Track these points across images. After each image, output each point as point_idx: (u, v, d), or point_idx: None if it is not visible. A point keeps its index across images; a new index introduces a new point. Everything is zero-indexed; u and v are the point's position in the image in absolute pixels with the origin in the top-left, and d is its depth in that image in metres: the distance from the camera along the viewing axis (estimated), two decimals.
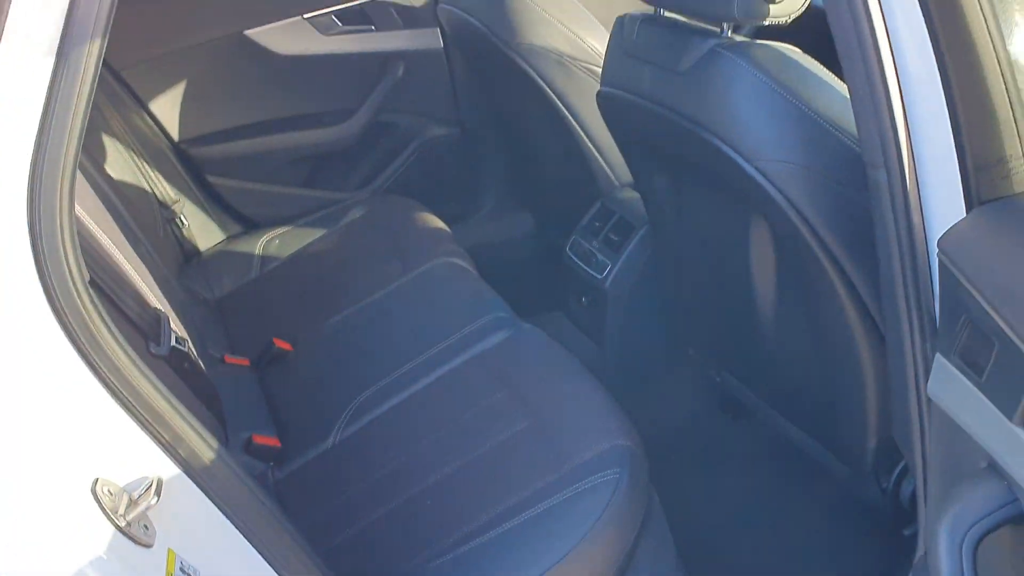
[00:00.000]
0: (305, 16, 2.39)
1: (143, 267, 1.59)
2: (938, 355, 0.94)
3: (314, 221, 2.38)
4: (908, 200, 1.04)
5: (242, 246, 2.36)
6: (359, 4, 2.42)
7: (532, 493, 1.38)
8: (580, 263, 2.06)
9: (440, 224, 2.24)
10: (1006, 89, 0.87)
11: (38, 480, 0.84)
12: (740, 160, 1.28)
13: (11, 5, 0.77)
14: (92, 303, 0.85)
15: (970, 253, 0.87)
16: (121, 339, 0.88)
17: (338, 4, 2.40)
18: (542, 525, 1.33)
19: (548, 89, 2.01)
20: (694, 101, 1.34)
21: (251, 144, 2.43)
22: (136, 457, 0.90)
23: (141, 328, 1.38)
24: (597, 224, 2.06)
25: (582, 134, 2.05)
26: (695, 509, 1.81)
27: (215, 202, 2.44)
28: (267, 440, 1.68)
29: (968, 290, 0.84)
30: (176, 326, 1.55)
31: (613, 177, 2.10)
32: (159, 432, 0.90)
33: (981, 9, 0.87)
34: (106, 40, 0.83)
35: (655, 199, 1.74)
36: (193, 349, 1.57)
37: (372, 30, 2.46)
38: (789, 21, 1.28)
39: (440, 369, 1.72)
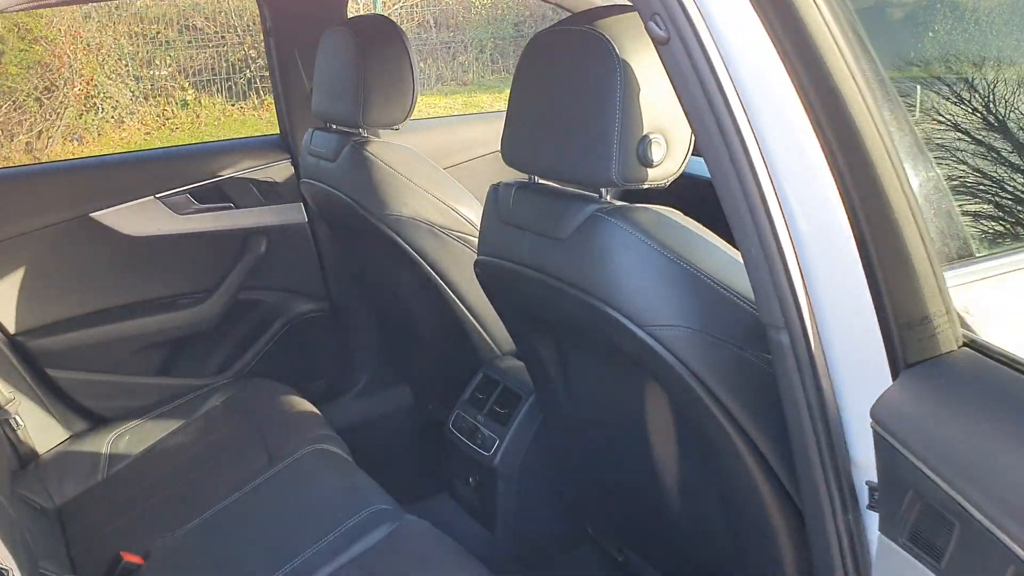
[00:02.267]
0: (156, 196, 2.26)
1: None
2: (881, 536, 0.85)
3: (169, 412, 2.17)
4: (815, 362, 0.98)
5: (87, 445, 2.12)
6: (215, 181, 2.32)
7: None
8: (465, 440, 1.93)
9: (309, 407, 2.08)
10: (921, 240, 0.83)
11: None
12: (630, 325, 1.21)
13: None
14: None
15: (911, 424, 0.80)
16: None
17: (190, 183, 2.29)
18: None
19: (421, 260, 1.93)
20: (577, 267, 1.27)
21: (98, 332, 2.24)
22: None
23: None
24: (480, 396, 1.95)
25: (459, 303, 1.97)
26: None
27: (56, 397, 2.21)
28: None
29: (914, 464, 0.77)
30: None
31: (494, 345, 2.01)
32: None
33: (891, 161, 0.84)
34: None
35: (541, 368, 1.64)
36: None
37: (231, 207, 2.35)
38: (667, 184, 1.25)
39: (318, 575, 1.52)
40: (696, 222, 1.27)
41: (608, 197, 1.28)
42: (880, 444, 0.84)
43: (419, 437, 2.40)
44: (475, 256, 1.55)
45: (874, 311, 0.85)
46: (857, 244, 0.86)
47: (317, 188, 2.11)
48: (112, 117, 7.81)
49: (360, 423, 2.38)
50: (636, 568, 1.70)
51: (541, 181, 1.40)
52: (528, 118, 1.36)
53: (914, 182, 0.89)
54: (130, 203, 2.24)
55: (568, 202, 1.29)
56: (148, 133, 7.97)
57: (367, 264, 2.27)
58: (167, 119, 8.17)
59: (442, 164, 2.14)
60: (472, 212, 1.97)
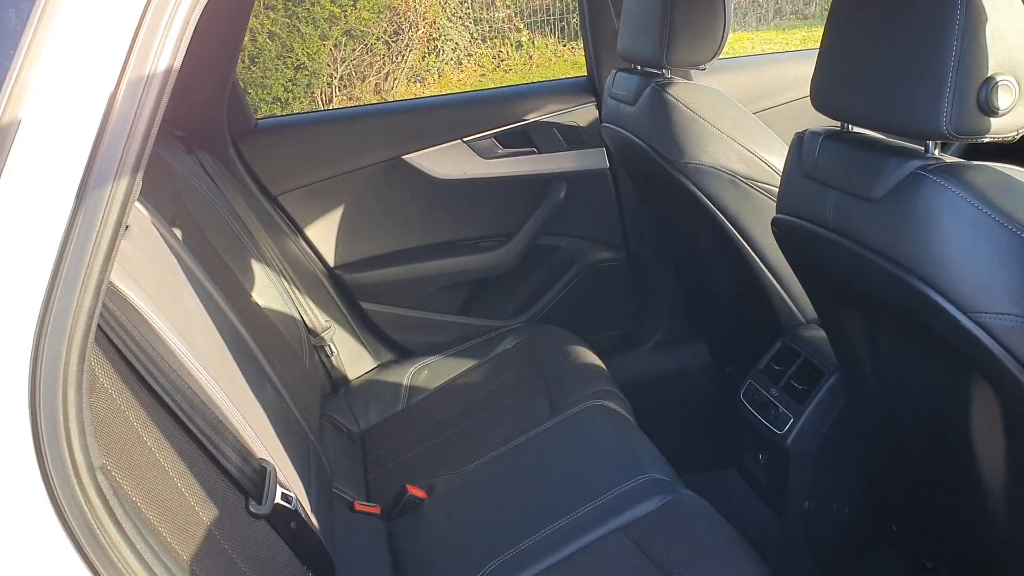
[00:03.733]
0: (464, 139, 2.29)
1: (259, 411, 1.46)
2: None
3: (465, 351, 2.23)
4: None
5: (391, 376, 2.24)
6: (521, 125, 2.31)
7: None
8: (756, 414, 1.77)
9: (595, 360, 2.02)
10: None
11: None
12: (953, 310, 0.99)
13: (16, 138, 0.64)
14: (100, 494, 0.69)
15: None
16: (140, 542, 0.71)
17: (498, 127, 2.30)
18: None
19: (720, 213, 1.78)
20: (891, 235, 1.07)
21: (405, 270, 2.34)
22: None
23: (241, 484, 1.23)
24: (777, 368, 1.77)
25: (760, 263, 1.79)
26: None
27: (367, 328, 2.35)
28: None
29: None
30: (288, 477, 1.40)
31: (797, 312, 1.81)
32: None
33: None
34: (137, 179, 0.69)
35: (846, 343, 1.44)
36: (305, 504, 1.41)
37: (534, 152, 2.34)
38: (1017, 138, 1.00)
39: (582, 539, 1.47)
40: None
41: (936, 152, 1.05)
42: None
43: (711, 400, 2.26)
44: None
45: None
46: None
47: (616, 133, 2.01)
48: (452, 59, 8.24)
49: (650, 379, 2.30)
50: None
51: (856, 130, 1.20)
52: (844, 56, 1.16)
53: None
54: (439, 146, 2.29)
55: (885, 156, 1.09)
56: (483, 75, 8.33)
57: (666, 215, 2.15)
58: (502, 60, 8.47)
59: (754, 107, 1.95)
60: (783, 162, 1.77)
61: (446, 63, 8.23)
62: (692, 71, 2.02)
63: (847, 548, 1.71)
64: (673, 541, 1.39)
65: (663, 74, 1.89)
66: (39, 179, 0.66)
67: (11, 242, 0.66)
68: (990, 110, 0.97)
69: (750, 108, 1.90)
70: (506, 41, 8.56)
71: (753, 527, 1.41)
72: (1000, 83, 0.96)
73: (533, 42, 8.64)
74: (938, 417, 1.24)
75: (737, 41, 8.07)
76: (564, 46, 8.64)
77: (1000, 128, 0.98)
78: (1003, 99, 0.96)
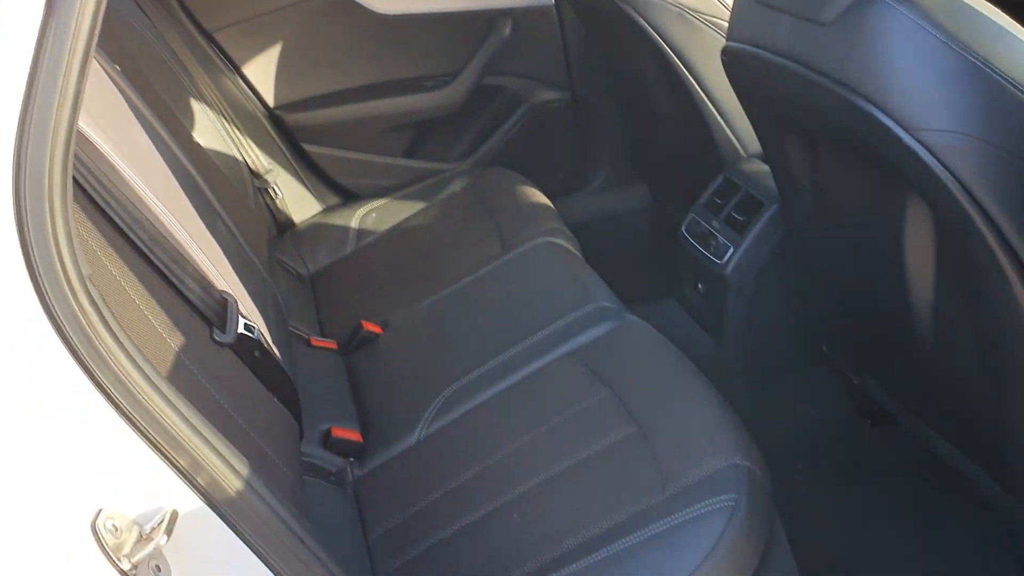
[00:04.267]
0: None
1: (215, 247, 1.47)
2: None
3: (413, 193, 2.24)
4: None
5: (338, 219, 2.24)
6: None
7: (632, 517, 1.19)
8: (697, 245, 1.83)
9: (544, 200, 2.06)
10: None
11: (24, 513, 0.71)
12: (897, 129, 1.04)
13: None
14: (92, 303, 0.71)
15: None
16: (129, 346, 0.74)
17: None
18: (642, 558, 1.14)
19: (666, 46, 1.78)
20: (841, 57, 1.10)
21: (349, 110, 2.30)
22: (147, 485, 0.76)
23: (204, 314, 1.26)
24: (718, 201, 1.83)
25: (704, 97, 1.81)
26: (824, 530, 1.59)
27: (311, 171, 2.33)
28: (348, 433, 1.56)
29: None
30: (248, 309, 1.43)
31: (739, 146, 1.86)
32: (173, 457, 0.75)
33: None
34: None
35: (788, 173, 1.49)
36: (266, 335, 1.44)
37: None
38: None
39: (536, 362, 1.55)
40: (998, 8, 1.04)
41: None
42: None
43: (652, 238, 2.33)
44: None
45: None
46: None
47: None
48: None
49: (594, 219, 2.34)
50: (873, 395, 1.59)
51: None
52: None
53: None
54: None
55: None
56: None
57: (612, 52, 2.14)
58: None
59: None
60: None
61: None
62: None
63: (779, 368, 1.83)
64: (621, 362, 1.47)
65: None
66: None
67: None
68: None
69: None
70: None
71: (692, 352, 1.49)
72: None
73: None
74: (874, 239, 1.31)
75: None
76: None
77: None
78: None
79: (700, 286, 1.85)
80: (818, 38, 1.13)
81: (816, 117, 1.24)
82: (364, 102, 2.32)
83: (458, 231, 2.04)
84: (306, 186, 2.32)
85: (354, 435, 1.56)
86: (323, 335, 1.88)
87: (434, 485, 1.40)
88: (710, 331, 1.86)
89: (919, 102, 1.02)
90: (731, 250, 1.74)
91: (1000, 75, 0.99)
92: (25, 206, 0.65)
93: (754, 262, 1.72)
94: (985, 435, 1.27)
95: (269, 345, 1.44)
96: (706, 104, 1.82)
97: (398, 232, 2.14)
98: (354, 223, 2.20)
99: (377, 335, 1.81)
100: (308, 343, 1.80)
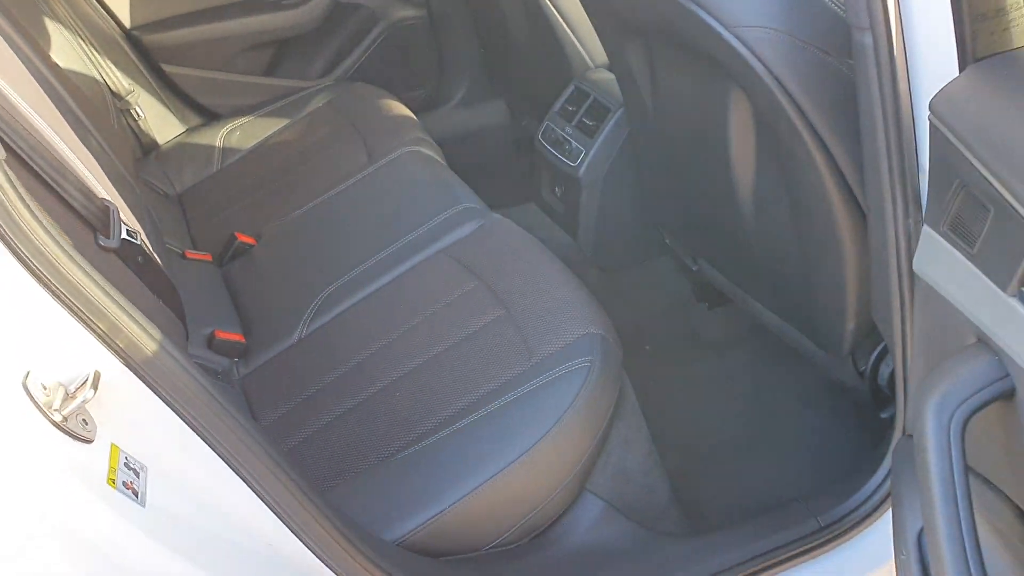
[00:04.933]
0: None
1: (91, 159, 1.50)
2: (925, 227, 0.88)
3: (276, 111, 2.28)
4: (895, 64, 0.97)
5: (202, 138, 2.26)
6: None
7: (503, 383, 1.35)
8: (552, 151, 1.98)
9: (406, 112, 2.15)
10: None
11: None
12: (718, 26, 1.20)
13: None
14: (9, 183, 0.78)
15: (964, 113, 0.80)
16: (47, 223, 0.81)
17: None
18: (512, 414, 1.30)
19: None
20: None
21: (207, 29, 2.30)
22: (70, 350, 0.84)
23: (88, 220, 1.31)
24: (570, 108, 1.97)
25: (554, 10, 1.94)
26: (670, 397, 1.79)
27: (172, 92, 2.33)
28: (231, 335, 1.63)
29: (962, 152, 0.78)
30: (127, 218, 1.48)
31: (587, 57, 2.00)
32: (93, 322, 0.84)
33: None
34: None
35: (630, 79, 1.65)
36: (147, 242, 1.50)
37: None
38: None
39: (409, 261, 1.66)
40: None
41: None
42: (935, 135, 0.85)
43: (510, 151, 2.46)
44: None
45: (948, 4, 0.83)
46: None
47: None
48: None
49: (455, 135, 2.44)
50: (708, 276, 1.79)
51: None
52: None
53: None
54: None
55: None
56: None
57: None
58: None
59: None
60: None
61: None
62: None
63: (628, 258, 2.02)
64: (488, 255, 1.61)
65: None
66: None
67: None
68: None
69: None
70: None
71: (551, 248, 1.64)
72: None
73: None
74: (703, 129, 1.48)
75: None
76: None
77: None
78: None
79: (557, 189, 2.00)
80: None
81: (652, 21, 1.39)
82: (222, 21, 2.32)
83: (323, 145, 2.11)
84: (168, 107, 2.32)
85: (237, 337, 1.64)
86: (196, 250, 1.93)
87: (319, 376, 1.51)
88: (567, 229, 2.02)
89: (735, 2, 1.18)
90: (583, 153, 1.89)
91: None
92: None
93: (604, 162, 1.89)
94: (797, 296, 1.49)
95: (150, 252, 1.49)
96: (557, 17, 1.95)
97: (263, 148, 2.19)
98: (218, 142, 2.23)
99: (251, 246, 1.88)
100: (183, 256, 1.85)
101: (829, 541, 1.30)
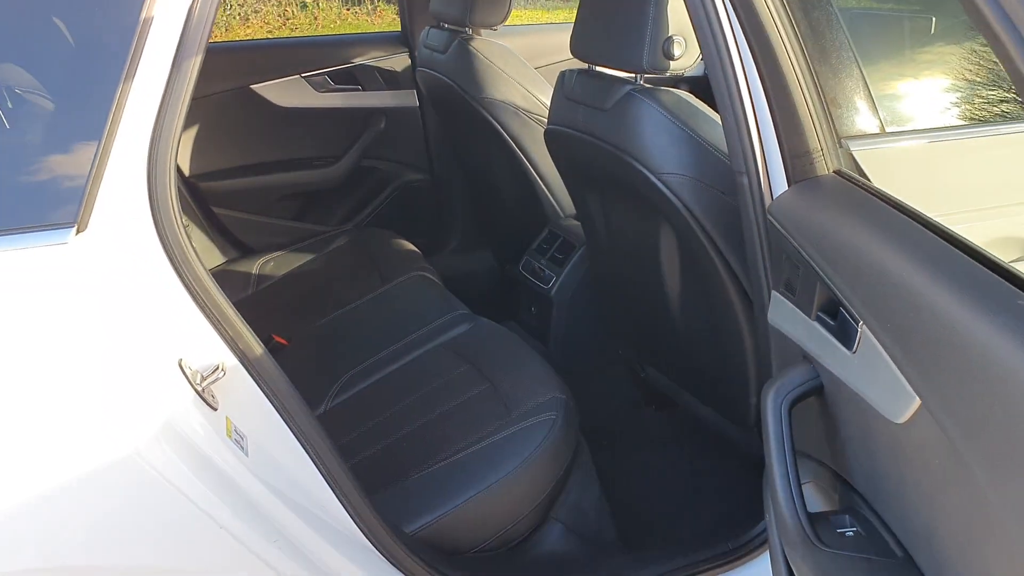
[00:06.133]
0: (302, 75, 2.83)
1: None
2: (773, 292, 1.35)
3: (304, 247, 2.77)
4: (762, 193, 1.47)
5: (240, 267, 2.73)
6: (348, 67, 2.87)
7: (486, 433, 1.76)
8: (530, 278, 2.47)
9: (413, 248, 2.65)
10: (805, 100, 1.31)
11: (146, 354, 1.21)
12: (648, 174, 1.70)
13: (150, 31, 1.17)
14: (185, 233, 1.24)
15: (788, 214, 1.29)
16: (201, 260, 1.26)
17: (330, 67, 2.85)
18: (492, 452, 1.70)
19: (506, 135, 2.45)
20: (615, 131, 1.77)
21: (251, 181, 2.84)
22: (207, 347, 1.27)
23: None
24: (545, 246, 2.48)
25: (533, 172, 2.49)
26: (624, 480, 2.19)
27: (216, 229, 2.83)
28: None
29: (786, 237, 1.27)
30: None
31: (559, 208, 2.53)
32: (224, 329, 1.27)
33: (785, 46, 1.31)
34: (202, 57, 1.23)
35: (590, 220, 2.16)
36: None
37: (359, 89, 2.91)
38: (684, 74, 1.72)
39: (414, 352, 2.10)
40: (703, 103, 1.75)
41: (642, 81, 1.76)
42: (772, 229, 1.34)
43: (496, 287, 2.95)
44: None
45: (778, 149, 1.34)
46: (770, 110, 1.34)
47: (429, 75, 2.64)
48: (239, 14, 8.46)
49: (450, 276, 2.93)
50: (653, 382, 2.23)
51: (597, 69, 1.90)
52: (589, 19, 1.85)
53: (825, 72, 1.36)
54: (281, 79, 2.81)
55: (612, 83, 1.79)
56: (270, 32, 8.61)
57: (465, 141, 2.80)
58: (287, 19, 8.79)
59: (533, 64, 2.63)
60: (547, 96, 2.46)
61: (233, 17, 8.43)
62: (486, 31, 2.67)
63: (589, 366, 2.46)
64: (478, 346, 2.05)
65: (466, 31, 2.53)
66: None
67: None
68: (669, 56, 1.68)
69: (531, 64, 2.58)
70: (292, 1, 8.89)
71: None
72: (675, 40, 1.67)
73: (318, 3, 9.03)
74: (643, 255, 1.97)
75: (516, 16, 8.87)
76: (348, 10, 9.09)
77: (675, 67, 1.69)
78: (676, 50, 1.68)
79: (533, 308, 2.48)
80: (602, 120, 1.80)
81: (604, 171, 1.91)
82: (264, 175, 2.86)
83: (344, 273, 2.59)
84: (213, 241, 2.81)
85: None
86: None
87: (341, 434, 1.91)
88: (541, 340, 2.48)
89: (659, 156, 1.69)
90: (554, 278, 2.38)
91: (703, 140, 1.67)
92: (156, 192, 1.18)
93: (570, 286, 2.37)
94: (714, 381, 1.93)
95: None
96: (535, 177, 2.49)
97: (293, 276, 2.66)
98: (255, 270, 2.70)
99: (284, 345, 2.31)
100: None
101: (738, 559, 1.69)
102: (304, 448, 1.35)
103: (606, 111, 1.78)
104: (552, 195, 2.52)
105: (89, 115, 1.17)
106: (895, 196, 1.19)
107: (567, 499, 1.78)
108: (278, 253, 2.76)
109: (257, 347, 1.32)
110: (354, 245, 2.72)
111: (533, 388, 1.84)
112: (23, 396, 1.13)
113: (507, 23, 2.56)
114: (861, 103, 1.49)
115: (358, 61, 2.88)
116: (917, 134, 1.58)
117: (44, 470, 1.15)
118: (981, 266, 0.97)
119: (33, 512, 1.14)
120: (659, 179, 1.70)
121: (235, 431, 1.29)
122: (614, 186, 1.94)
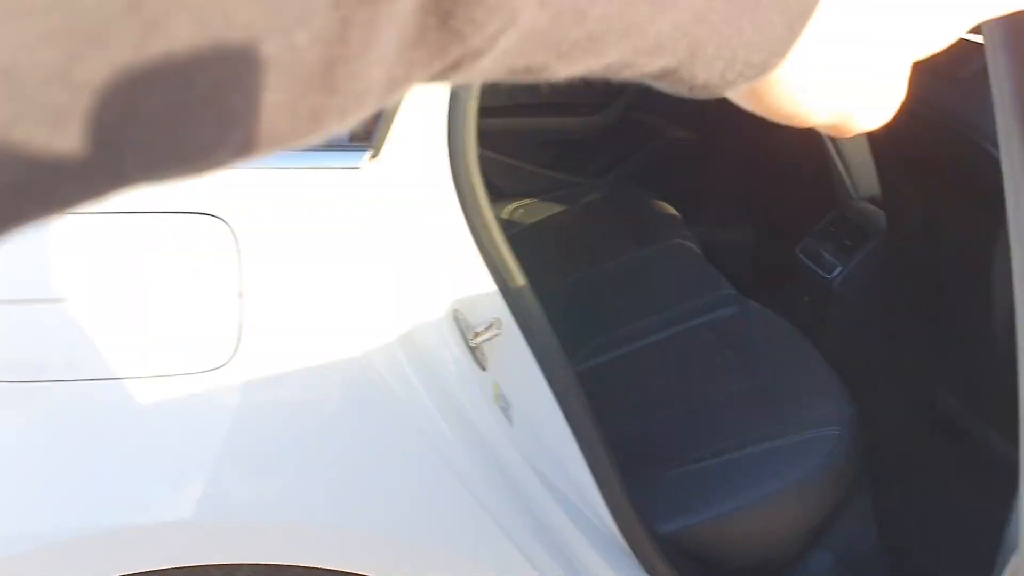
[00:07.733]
0: None
1: None
2: None
3: (555, 197, 2.61)
4: None
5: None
6: None
7: (756, 435, 1.53)
8: (810, 263, 2.18)
9: (672, 210, 2.42)
10: None
11: (421, 299, 1.08)
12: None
13: None
14: (481, 175, 1.10)
15: None
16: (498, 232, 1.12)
17: None
18: (764, 461, 1.47)
19: None
20: (971, 109, 1.46)
21: (512, 123, 2.70)
22: (485, 301, 1.13)
23: None
24: (832, 229, 2.18)
25: (828, 141, 2.18)
26: (900, 514, 1.89)
27: None
28: None
29: None
30: None
31: (852, 188, 2.22)
32: (507, 284, 1.12)
33: None
34: None
35: (899, 208, 1.85)
36: None
37: None
38: None
39: (672, 328, 1.89)
40: None
41: None
42: None
43: (751, 274, 2.67)
44: None
45: None
46: None
47: None
48: None
49: (703, 247, 2.70)
50: (947, 409, 1.91)
51: None
52: None
53: None
54: None
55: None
56: None
57: None
58: None
59: None
60: None
61: None
62: None
63: (865, 377, 2.15)
64: (750, 335, 1.82)
65: None
66: None
67: None
68: None
69: None
70: None
71: None
72: None
73: None
74: (969, 255, 1.65)
75: None
76: None
77: None
78: None
79: (806, 297, 2.19)
80: (953, 94, 1.50)
81: (942, 158, 1.61)
82: (524, 118, 2.72)
83: (597, 229, 2.41)
84: None
85: None
86: None
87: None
88: (810, 336, 2.19)
89: None
90: (839, 268, 2.09)
91: None
92: (455, 130, 1.05)
93: (857, 280, 2.07)
94: None
95: None
96: (828, 147, 2.19)
97: (542, 225, 2.51)
98: (504, 214, 2.58)
99: None
100: None
101: None
102: (569, 426, 1.19)
103: (961, 79, 1.48)
104: (847, 173, 2.20)
105: None
106: None
107: (843, 525, 1.53)
108: (529, 200, 2.63)
109: (538, 309, 1.16)
110: (609, 201, 2.54)
111: (814, 394, 1.59)
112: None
113: None
114: None
115: None
116: None
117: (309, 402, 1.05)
118: None
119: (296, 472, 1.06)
120: None
121: (502, 397, 1.15)
122: (945, 173, 1.63)
